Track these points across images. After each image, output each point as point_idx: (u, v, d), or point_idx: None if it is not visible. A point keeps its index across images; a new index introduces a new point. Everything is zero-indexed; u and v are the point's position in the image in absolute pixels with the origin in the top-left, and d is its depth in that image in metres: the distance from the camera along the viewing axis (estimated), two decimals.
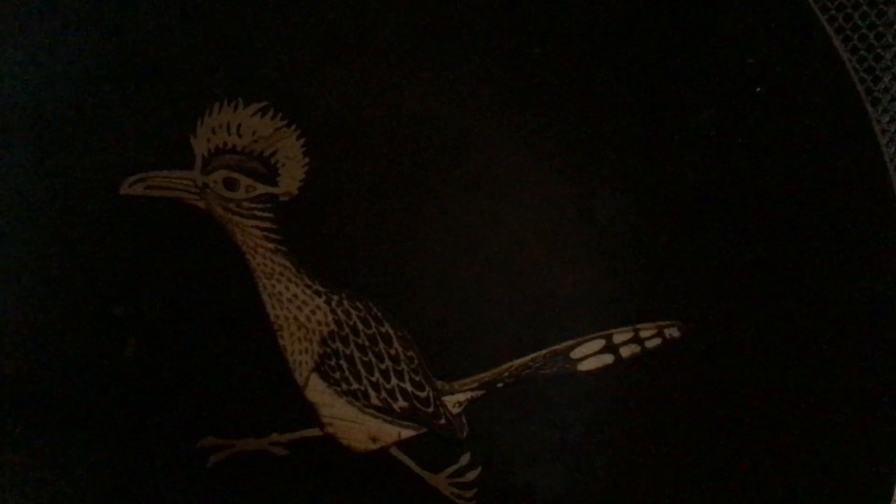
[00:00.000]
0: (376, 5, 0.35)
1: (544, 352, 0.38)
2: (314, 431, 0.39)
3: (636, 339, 0.37)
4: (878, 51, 0.43)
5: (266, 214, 0.37)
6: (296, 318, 0.38)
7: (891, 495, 0.35)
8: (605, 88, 0.35)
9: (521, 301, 0.37)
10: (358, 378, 0.38)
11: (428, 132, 0.36)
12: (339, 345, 0.38)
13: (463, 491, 0.39)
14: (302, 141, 0.36)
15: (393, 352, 0.38)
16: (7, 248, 0.37)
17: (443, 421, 0.39)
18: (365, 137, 0.36)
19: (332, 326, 0.38)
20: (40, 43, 0.35)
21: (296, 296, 0.38)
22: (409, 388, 0.38)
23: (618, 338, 0.37)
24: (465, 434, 0.39)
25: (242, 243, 0.37)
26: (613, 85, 0.35)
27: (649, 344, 0.37)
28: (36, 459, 0.39)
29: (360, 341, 0.38)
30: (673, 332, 0.37)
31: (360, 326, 0.38)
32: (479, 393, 0.38)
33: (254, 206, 0.37)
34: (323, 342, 0.38)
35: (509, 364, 0.38)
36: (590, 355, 0.37)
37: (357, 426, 0.39)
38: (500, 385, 0.38)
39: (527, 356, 0.38)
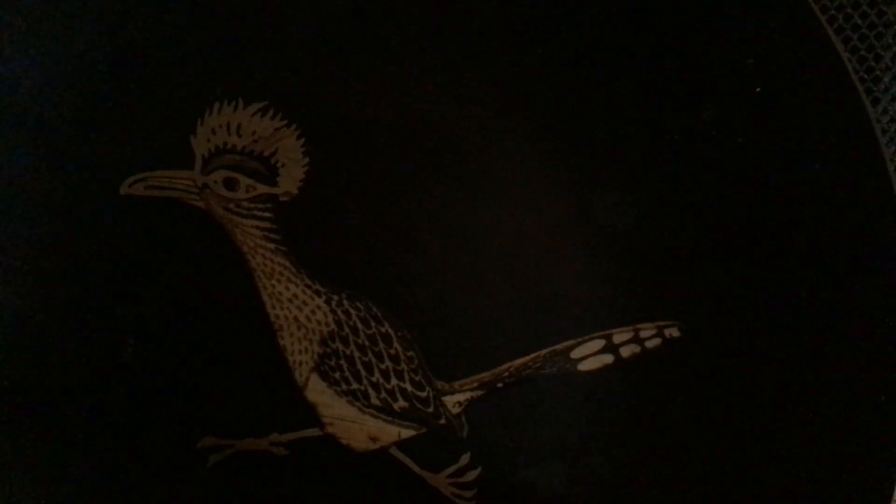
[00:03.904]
0: (376, 5, 0.35)
1: (544, 352, 0.38)
2: (314, 431, 0.39)
3: (636, 339, 0.37)
4: (878, 51, 0.43)
5: (266, 214, 0.37)
6: (296, 318, 0.38)
7: (891, 495, 0.35)
8: (606, 88, 0.35)
9: (521, 301, 0.37)
10: (358, 378, 0.38)
11: (428, 132, 0.36)
12: (339, 345, 0.38)
13: (463, 491, 0.39)
14: (302, 141, 0.36)
15: (393, 352, 0.38)
16: (7, 247, 0.37)
17: (443, 421, 0.39)
18: (365, 137, 0.36)
19: (332, 326, 0.38)
20: (40, 43, 0.35)
21: (296, 296, 0.38)
22: (409, 388, 0.38)
23: (618, 338, 0.37)
24: (465, 434, 0.39)
25: (242, 243, 0.37)
26: (613, 85, 0.35)
27: (649, 344, 0.37)
28: (36, 459, 0.39)
29: (360, 341, 0.38)
30: (673, 332, 0.37)
31: (360, 326, 0.38)
32: (479, 393, 0.38)
33: (254, 206, 0.37)
34: (323, 342, 0.38)
35: (509, 364, 0.38)
36: (590, 355, 0.37)
37: (357, 426, 0.39)
38: (500, 385, 0.38)
39: (527, 356, 0.38)
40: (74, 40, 0.35)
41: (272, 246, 0.37)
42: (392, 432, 0.39)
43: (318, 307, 0.38)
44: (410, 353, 0.38)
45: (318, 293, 0.38)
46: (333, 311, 0.38)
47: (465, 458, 0.39)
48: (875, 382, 0.35)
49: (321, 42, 0.36)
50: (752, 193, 0.35)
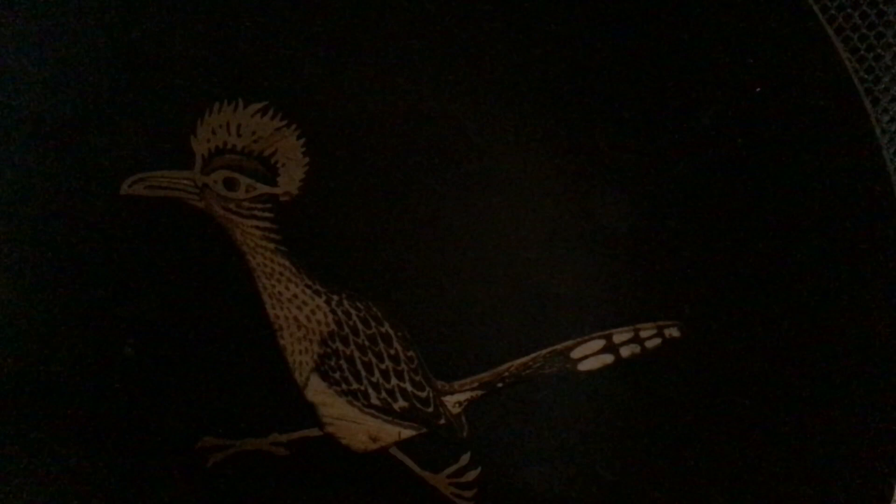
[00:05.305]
0: (376, 5, 0.35)
1: (544, 352, 0.38)
2: (314, 431, 0.39)
3: (636, 339, 0.37)
4: (878, 51, 0.43)
5: (266, 214, 0.37)
6: (296, 318, 0.38)
7: (891, 495, 0.35)
8: (606, 88, 0.35)
9: (521, 301, 0.37)
10: (358, 378, 0.38)
11: (428, 132, 0.36)
12: (339, 345, 0.38)
13: (463, 491, 0.39)
14: (302, 141, 0.36)
15: (393, 352, 0.38)
16: (7, 248, 0.37)
17: (443, 421, 0.39)
18: (365, 137, 0.36)
19: (332, 326, 0.38)
20: (40, 43, 0.35)
21: (296, 296, 0.38)
22: (409, 388, 0.38)
23: (618, 338, 0.37)
24: (465, 434, 0.39)
25: (242, 243, 0.37)
26: (614, 85, 0.35)
27: (649, 344, 0.37)
28: (36, 459, 0.39)
29: (360, 341, 0.38)
30: (673, 332, 0.37)
31: (360, 326, 0.38)
32: (479, 393, 0.38)
33: (254, 206, 0.37)
34: (323, 342, 0.38)
35: (509, 364, 0.38)
36: (590, 355, 0.37)
37: (357, 426, 0.39)
38: (500, 385, 0.38)
39: (527, 356, 0.38)
40: (74, 40, 0.35)
41: (272, 246, 0.37)
42: (392, 432, 0.39)
43: (318, 307, 0.38)
44: (410, 353, 0.38)
45: (318, 293, 0.38)
46: (333, 311, 0.38)
47: (465, 458, 0.39)
48: (875, 382, 0.35)
49: (321, 42, 0.36)
50: (752, 193, 0.35)
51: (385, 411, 0.39)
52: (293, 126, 0.36)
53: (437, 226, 0.37)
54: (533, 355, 0.38)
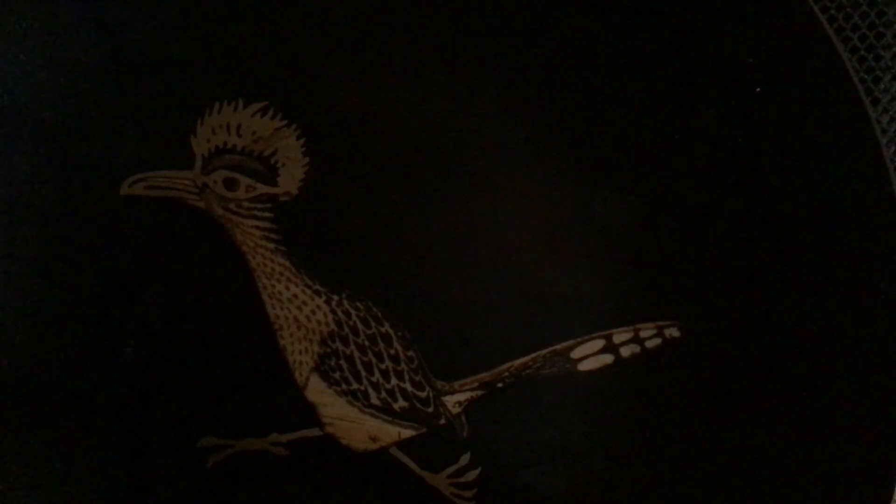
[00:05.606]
0: (376, 5, 0.35)
1: (544, 352, 0.38)
2: (314, 431, 0.39)
3: (636, 339, 0.37)
4: (879, 51, 0.43)
5: (266, 214, 0.37)
6: (296, 318, 0.38)
7: (891, 495, 0.35)
8: (606, 88, 0.35)
9: (521, 301, 0.37)
10: (358, 378, 0.38)
11: (428, 132, 0.36)
12: (339, 345, 0.38)
13: (463, 491, 0.39)
14: (302, 141, 0.36)
15: (393, 352, 0.38)
16: (8, 247, 0.37)
17: (443, 421, 0.39)
18: (365, 137, 0.36)
19: (332, 326, 0.38)
20: (40, 43, 0.35)
21: (296, 296, 0.38)
22: (409, 388, 0.38)
23: (618, 338, 0.37)
24: (465, 434, 0.39)
25: (242, 243, 0.37)
26: (613, 85, 0.35)
27: (649, 344, 0.37)
28: (36, 459, 0.39)
29: (360, 341, 0.38)
30: (673, 332, 0.37)
31: (360, 326, 0.38)
32: (479, 393, 0.38)
33: (254, 206, 0.37)
34: (323, 342, 0.38)
35: (509, 364, 0.38)
36: (590, 355, 0.37)
37: (357, 426, 0.39)
38: (500, 385, 0.38)
39: (527, 356, 0.38)
40: (74, 41, 0.35)
41: (272, 246, 0.37)
42: (392, 432, 0.39)
43: (318, 307, 0.38)
44: (410, 353, 0.38)
45: (318, 293, 0.38)
46: (333, 311, 0.38)
47: (465, 458, 0.39)
48: (875, 382, 0.35)
49: (321, 42, 0.36)
50: (752, 193, 0.35)
51: (385, 411, 0.39)
52: (293, 126, 0.36)
53: (436, 226, 0.37)
54: (533, 355, 0.38)
